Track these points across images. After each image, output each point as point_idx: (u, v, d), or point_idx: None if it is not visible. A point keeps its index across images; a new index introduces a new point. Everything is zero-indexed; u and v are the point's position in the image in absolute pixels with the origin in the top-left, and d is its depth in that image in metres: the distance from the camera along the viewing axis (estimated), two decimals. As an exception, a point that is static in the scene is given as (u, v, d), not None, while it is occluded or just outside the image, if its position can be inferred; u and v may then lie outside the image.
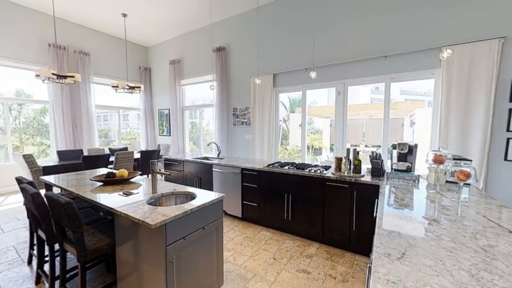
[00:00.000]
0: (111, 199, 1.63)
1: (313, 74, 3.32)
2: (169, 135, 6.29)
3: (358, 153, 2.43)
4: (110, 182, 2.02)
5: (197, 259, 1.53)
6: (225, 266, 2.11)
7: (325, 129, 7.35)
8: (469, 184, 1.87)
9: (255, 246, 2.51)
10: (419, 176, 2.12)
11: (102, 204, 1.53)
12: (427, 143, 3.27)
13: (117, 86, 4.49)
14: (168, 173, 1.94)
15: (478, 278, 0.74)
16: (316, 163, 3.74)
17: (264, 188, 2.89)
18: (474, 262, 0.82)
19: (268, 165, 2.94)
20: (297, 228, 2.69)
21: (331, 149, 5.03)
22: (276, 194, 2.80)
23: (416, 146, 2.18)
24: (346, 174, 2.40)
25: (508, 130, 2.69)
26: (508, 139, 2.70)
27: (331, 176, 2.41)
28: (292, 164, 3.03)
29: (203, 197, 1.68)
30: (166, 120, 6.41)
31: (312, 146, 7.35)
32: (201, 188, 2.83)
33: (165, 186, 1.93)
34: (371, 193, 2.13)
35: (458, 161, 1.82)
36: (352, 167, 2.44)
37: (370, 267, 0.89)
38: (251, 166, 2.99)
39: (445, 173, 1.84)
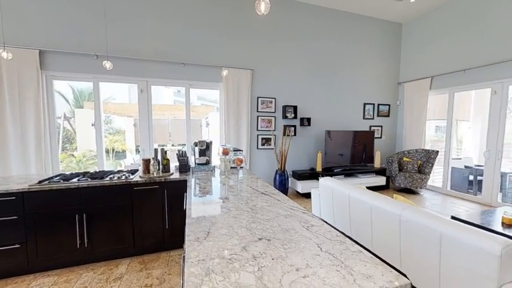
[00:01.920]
0: None
1: (107, 64, 2.82)
2: None
3: (166, 152, 2.49)
4: None
5: None
6: None
7: (129, 129, 6.60)
8: (242, 167, 2.69)
9: (21, 310, 1.63)
10: (214, 166, 2.66)
11: None
12: (217, 139, 4.18)
13: None
14: None
15: (250, 228, 1.09)
16: (120, 168, 3.24)
17: (35, 217, 1.96)
18: (248, 219, 1.21)
19: (41, 182, 2.03)
20: (98, 252, 2.16)
21: (138, 151, 4.65)
22: (59, 220, 2.02)
23: (211, 142, 2.70)
24: (155, 175, 2.36)
25: (257, 129, 4.25)
26: (257, 135, 4.26)
27: (139, 179, 2.23)
28: (85, 173, 2.36)
29: None
30: None
31: (113, 149, 6.26)
32: None
33: None
34: (180, 188, 2.29)
35: (236, 152, 2.54)
36: (161, 167, 2.45)
37: (184, 256, 0.96)
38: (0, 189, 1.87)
39: (230, 161, 2.49)
